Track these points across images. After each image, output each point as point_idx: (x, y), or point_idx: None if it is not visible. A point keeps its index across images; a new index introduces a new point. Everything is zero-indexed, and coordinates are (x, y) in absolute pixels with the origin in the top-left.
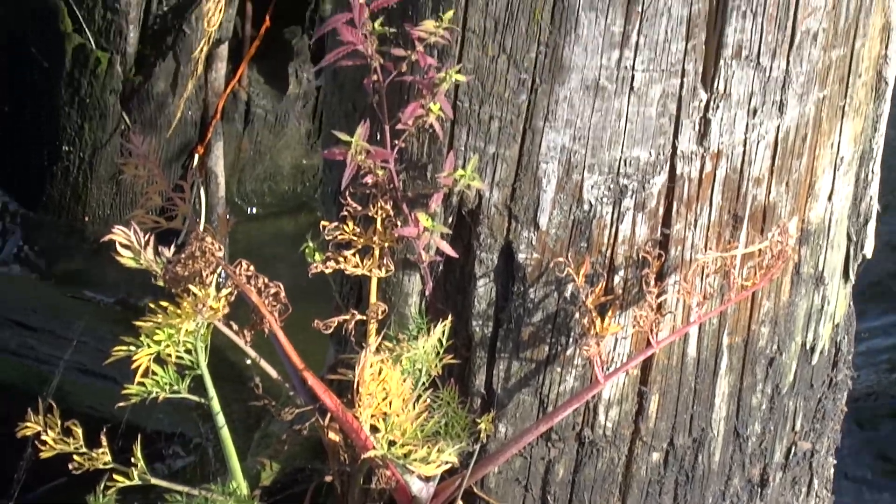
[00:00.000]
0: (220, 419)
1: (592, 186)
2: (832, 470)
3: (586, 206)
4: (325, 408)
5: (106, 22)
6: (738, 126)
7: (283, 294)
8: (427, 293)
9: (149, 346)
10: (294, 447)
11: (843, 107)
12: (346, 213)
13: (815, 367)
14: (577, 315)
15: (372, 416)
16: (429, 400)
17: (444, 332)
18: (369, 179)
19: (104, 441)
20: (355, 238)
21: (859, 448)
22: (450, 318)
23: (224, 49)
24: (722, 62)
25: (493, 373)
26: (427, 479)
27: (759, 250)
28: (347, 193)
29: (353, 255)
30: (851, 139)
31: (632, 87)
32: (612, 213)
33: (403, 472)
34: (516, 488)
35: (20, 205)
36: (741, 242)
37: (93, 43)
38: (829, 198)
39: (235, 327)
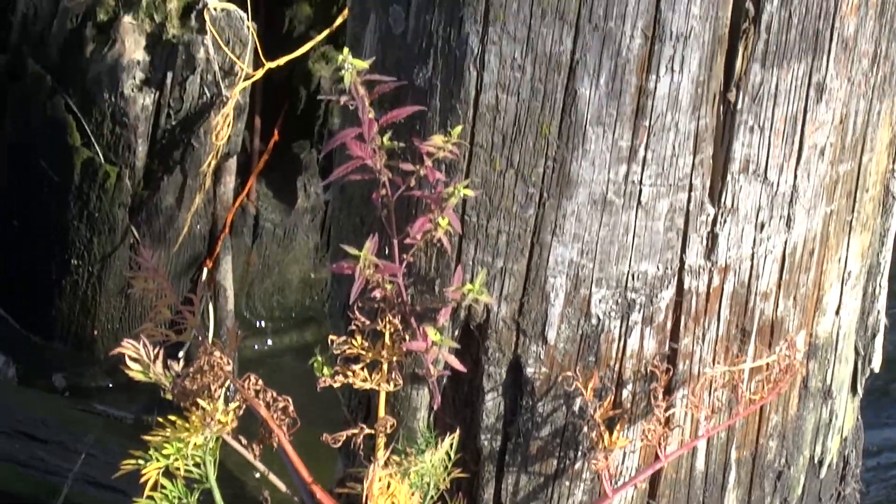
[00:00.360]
0: None
1: (600, 301)
2: None
3: (594, 321)
4: None
5: (114, 136)
6: (746, 240)
7: (291, 408)
8: (435, 407)
9: (157, 460)
10: None
11: (851, 221)
12: (354, 327)
13: (824, 481)
14: (585, 429)
15: None
16: None
17: (452, 445)
18: (377, 294)
19: None
20: (364, 352)
21: None
22: (458, 431)
23: (232, 163)
24: (729, 177)
25: (502, 487)
26: None
27: (767, 364)
28: (356, 307)
29: (362, 369)
30: (859, 254)
31: (639, 202)
32: (620, 328)
33: None
34: None
35: (29, 318)
36: (749, 356)
37: (101, 157)
38: (837, 312)
39: (244, 441)
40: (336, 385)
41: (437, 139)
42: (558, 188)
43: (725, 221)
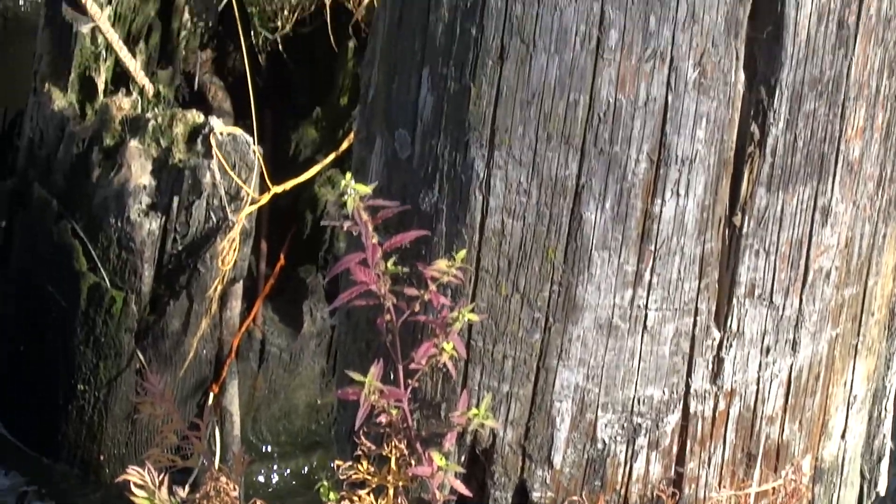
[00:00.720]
0: None
1: (606, 425)
2: None
3: (600, 445)
4: None
5: (121, 261)
6: (752, 364)
7: None
8: None
9: None
10: None
11: (856, 345)
12: (360, 452)
13: None
14: None
15: None
16: None
17: None
18: (383, 419)
19: None
20: (370, 477)
21: None
22: None
23: (238, 287)
24: (735, 301)
25: None
26: None
27: (773, 488)
28: (361, 432)
29: (368, 493)
30: (864, 377)
31: (645, 326)
32: (626, 452)
33: None
34: None
35: (36, 444)
36: (755, 480)
37: (108, 282)
38: (843, 436)
39: None
40: None
41: (442, 264)
42: (564, 313)
43: (731, 345)
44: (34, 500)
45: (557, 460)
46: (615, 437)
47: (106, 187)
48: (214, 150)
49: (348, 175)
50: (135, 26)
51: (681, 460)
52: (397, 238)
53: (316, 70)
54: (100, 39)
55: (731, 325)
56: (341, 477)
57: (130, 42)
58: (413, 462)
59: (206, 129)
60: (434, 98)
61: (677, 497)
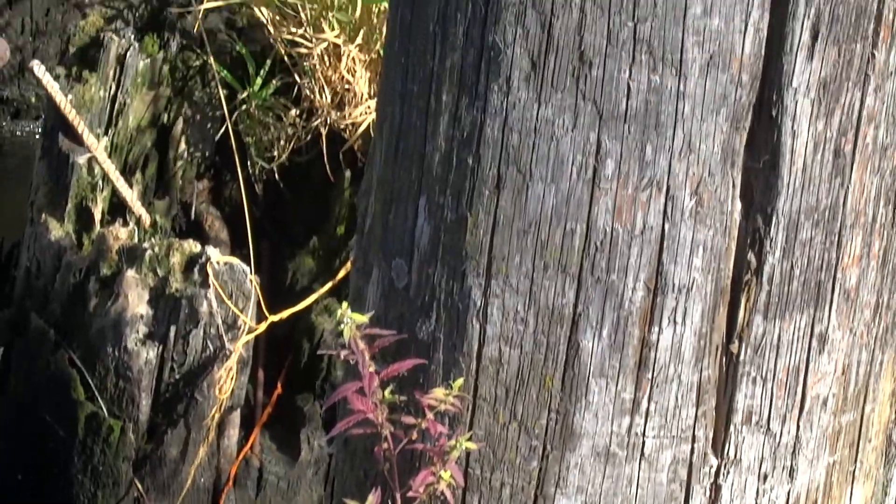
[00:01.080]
0: None
1: None
2: None
3: None
4: None
5: (118, 390)
6: (749, 492)
7: None
8: None
9: None
10: None
11: (854, 471)
12: None
13: None
14: None
15: None
16: None
17: None
18: None
19: None
20: None
21: None
22: None
23: (236, 416)
24: (732, 428)
25: None
26: None
27: None
28: None
29: None
30: None
31: (642, 454)
32: None
33: None
34: None
35: None
36: None
37: (105, 411)
38: None
39: None
40: None
41: (439, 392)
42: (561, 440)
43: (728, 472)
44: None
45: None
46: None
47: (103, 317)
48: (211, 279)
49: (345, 304)
50: (131, 156)
51: None
52: (394, 367)
53: (312, 200)
54: (96, 170)
55: (728, 453)
56: None
57: (127, 172)
58: None
59: (203, 259)
60: (431, 227)
61: None
